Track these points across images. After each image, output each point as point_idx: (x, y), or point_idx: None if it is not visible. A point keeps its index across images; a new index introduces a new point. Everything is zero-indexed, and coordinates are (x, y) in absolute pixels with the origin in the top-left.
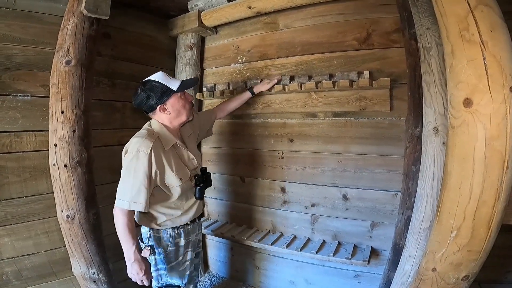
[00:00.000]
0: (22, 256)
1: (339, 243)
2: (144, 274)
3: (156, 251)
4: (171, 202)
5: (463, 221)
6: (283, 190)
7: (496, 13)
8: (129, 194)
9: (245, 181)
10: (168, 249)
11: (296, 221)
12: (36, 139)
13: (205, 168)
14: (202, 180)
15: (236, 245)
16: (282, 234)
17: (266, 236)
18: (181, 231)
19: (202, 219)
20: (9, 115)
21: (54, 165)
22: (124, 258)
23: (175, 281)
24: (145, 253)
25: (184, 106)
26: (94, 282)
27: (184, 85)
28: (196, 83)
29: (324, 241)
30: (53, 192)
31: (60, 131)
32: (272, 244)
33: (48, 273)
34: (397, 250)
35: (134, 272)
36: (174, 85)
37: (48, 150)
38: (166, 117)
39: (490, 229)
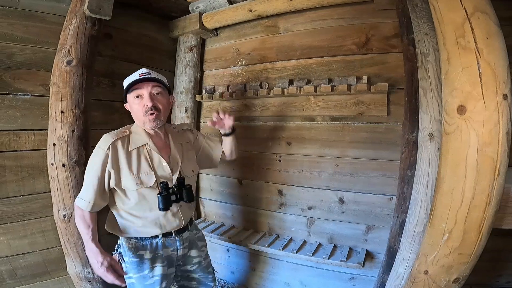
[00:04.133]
0: (17, 255)
1: (335, 246)
2: (102, 266)
3: (123, 259)
4: (131, 209)
5: (455, 225)
6: (280, 192)
7: (493, 20)
8: (82, 189)
9: (243, 183)
10: (130, 259)
11: (293, 224)
12: (35, 138)
13: (183, 180)
14: (167, 189)
15: (233, 247)
16: (278, 236)
17: (263, 238)
18: (147, 243)
19: (198, 220)
20: (8, 113)
21: (52, 164)
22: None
23: None
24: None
25: (137, 112)
26: (89, 281)
27: (130, 84)
28: (145, 79)
29: (320, 244)
30: (50, 191)
31: (59, 131)
32: (269, 246)
33: (43, 272)
34: (392, 253)
35: (93, 263)
36: (128, 81)
37: (46, 149)
38: (133, 116)
39: (481, 233)
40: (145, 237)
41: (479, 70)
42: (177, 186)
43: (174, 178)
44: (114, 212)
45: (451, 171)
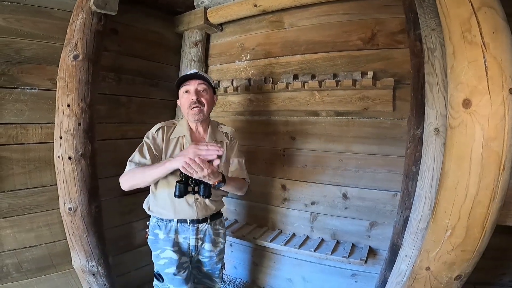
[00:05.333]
0: (23, 248)
1: (338, 242)
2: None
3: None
4: (158, 190)
5: (458, 221)
6: (283, 187)
7: (499, 15)
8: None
9: None
10: (149, 236)
11: (296, 219)
12: (42, 131)
13: None
14: (187, 179)
15: (235, 242)
16: (281, 232)
17: (266, 233)
18: (163, 224)
19: None
20: (16, 107)
21: (58, 157)
22: (123, 252)
23: (160, 270)
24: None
25: (184, 105)
26: (93, 275)
27: (179, 80)
28: (193, 76)
29: (322, 240)
30: (56, 184)
31: (65, 124)
32: (271, 241)
33: (48, 266)
34: (395, 250)
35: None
36: (180, 78)
37: (53, 142)
38: (181, 109)
39: (484, 229)
40: (163, 219)
41: (485, 64)
42: (197, 179)
43: None
44: (150, 191)
45: (455, 165)
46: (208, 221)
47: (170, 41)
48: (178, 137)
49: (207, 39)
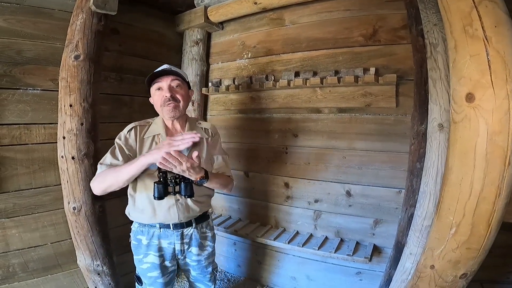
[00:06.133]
0: (29, 248)
1: (342, 240)
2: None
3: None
4: (136, 194)
5: (463, 218)
6: (286, 185)
7: (501, 8)
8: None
9: (249, 175)
10: (132, 242)
11: (299, 217)
12: (45, 132)
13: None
14: (165, 179)
15: (239, 240)
16: (284, 230)
17: (269, 231)
18: (145, 230)
19: None
20: (19, 108)
21: (62, 157)
22: (127, 251)
23: (140, 273)
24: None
25: (156, 102)
26: (98, 274)
27: (150, 77)
28: (164, 72)
29: (326, 238)
30: (60, 184)
31: (68, 124)
32: (275, 239)
33: (54, 265)
34: (400, 248)
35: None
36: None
37: (56, 142)
38: (155, 107)
39: (490, 226)
40: (145, 224)
41: (487, 58)
42: (176, 178)
43: None
44: (128, 195)
45: (459, 161)
46: (193, 224)
47: (171, 40)
48: (153, 136)
49: (208, 37)
